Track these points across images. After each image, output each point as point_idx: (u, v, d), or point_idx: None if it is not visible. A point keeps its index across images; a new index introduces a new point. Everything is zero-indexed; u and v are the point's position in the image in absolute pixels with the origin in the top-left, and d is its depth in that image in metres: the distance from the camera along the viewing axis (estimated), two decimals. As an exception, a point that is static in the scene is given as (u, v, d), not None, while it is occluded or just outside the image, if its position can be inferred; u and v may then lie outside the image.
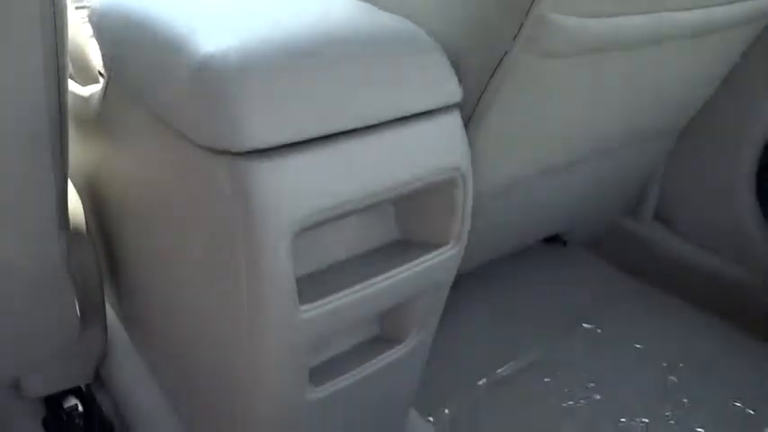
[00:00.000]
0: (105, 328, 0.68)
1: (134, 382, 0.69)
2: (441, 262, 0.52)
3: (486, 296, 0.95)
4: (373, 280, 0.48)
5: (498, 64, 0.53)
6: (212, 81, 0.39)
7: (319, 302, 0.44)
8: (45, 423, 0.72)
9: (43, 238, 0.52)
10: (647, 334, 0.89)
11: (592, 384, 0.81)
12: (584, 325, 0.93)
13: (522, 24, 0.50)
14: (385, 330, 0.58)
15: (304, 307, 0.43)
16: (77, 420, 0.71)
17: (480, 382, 0.80)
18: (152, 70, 0.45)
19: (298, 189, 0.40)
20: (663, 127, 0.86)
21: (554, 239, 1.08)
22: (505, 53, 0.52)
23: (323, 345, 0.52)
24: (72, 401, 0.72)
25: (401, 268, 0.50)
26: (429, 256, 0.51)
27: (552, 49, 0.53)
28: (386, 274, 0.49)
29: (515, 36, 0.51)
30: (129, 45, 0.48)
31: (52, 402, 0.72)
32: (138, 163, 0.52)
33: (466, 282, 0.93)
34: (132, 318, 0.70)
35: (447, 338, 0.79)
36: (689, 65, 0.73)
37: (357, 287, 0.47)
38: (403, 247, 0.52)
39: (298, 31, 0.45)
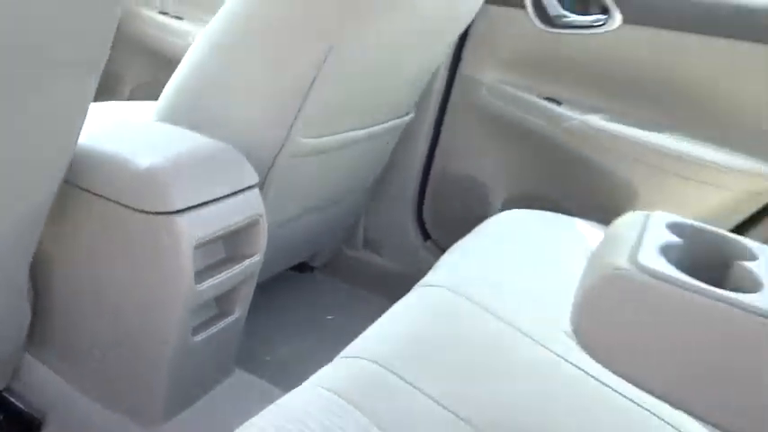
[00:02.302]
0: (23, 335, 1.01)
1: (46, 375, 1.03)
2: (252, 265, 1.01)
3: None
4: (220, 276, 0.95)
5: (273, 162, 1.05)
6: (154, 177, 0.85)
7: (204, 284, 0.91)
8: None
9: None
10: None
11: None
12: (329, 316, 1.48)
13: (283, 144, 1.03)
14: (220, 309, 1.05)
15: (198, 286, 0.89)
16: None
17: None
18: (113, 173, 0.88)
19: (196, 225, 0.87)
20: (363, 188, 1.47)
21: (302, 266, 1.62)
22: (276, 157, 1.04)
23: (200, 314, 0.97)
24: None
25: (232, 270, 0.98)
26: (245, 263, 1.00)
27: (300, 153, 1.07)
28: (223, 274, 0.96)
29: (281, 148, 1.03)
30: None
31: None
32: (81, 227, 0.93)
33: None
34: (42, 321, 1.02)
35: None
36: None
37: (213, 279, 0.94)
38: (229, 260, 1.01)
39: (173, 152, 0.92)
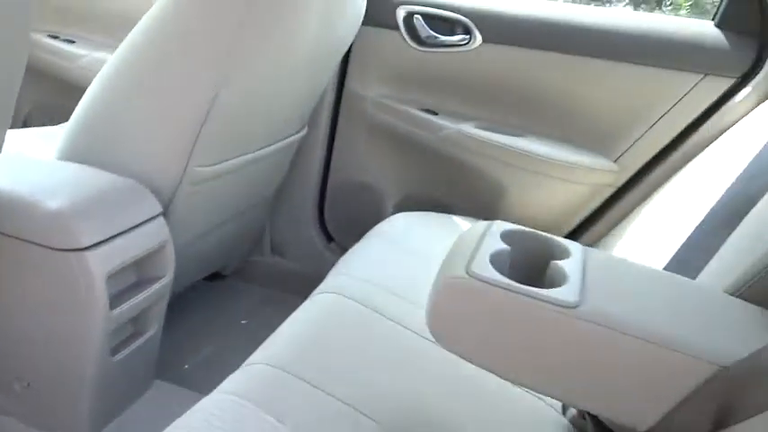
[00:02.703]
0: None
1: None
2: (163, 286, 1.11)
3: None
4: (132, 300, 1.04)
5: (174, 191, 1.14)
6: (63, 217, 0.93)
7: (119, 309, 1.00)
8: None
9: None
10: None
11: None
12: (242, 321, 1.59)
13: (182, 174, 1.12)
14: (136, 328, 1.13)
15: (113, 312, 0.98)
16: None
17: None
18: (25, 214, 0.95)
19: (106, 258, 0.96)
20: (265, 200, 1.57)
21: (214, 275, 1.71)
22: (177, 186, 1.14)
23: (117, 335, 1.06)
24: None
25: (143, 293, 1.07)
26: (155, 285, 1.09)
27: (200, 180, 1.16)
28: (135, 298, 1.06)
29: (181, 178, 1.13)
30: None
31: None
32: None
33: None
34: None
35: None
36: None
37: (127, 303, 1.03)
38: (141, 283, 1.10)
39: (80, 191, 1.00)
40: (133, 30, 1.08)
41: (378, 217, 1.43)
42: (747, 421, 0.57)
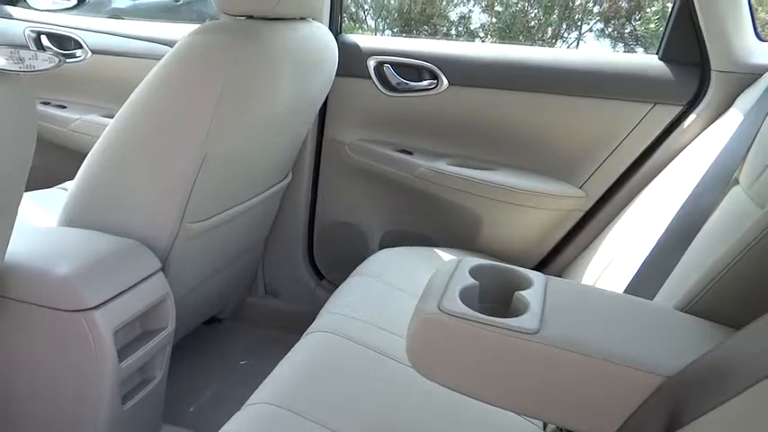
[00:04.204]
0: None
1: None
2: (166, 336, 1.19)
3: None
4: (139, 351, 1.12)
5: (170, 247, 1.22)
6: (72, 281, 1.01)
7: (127, 361, 1.07)
8: None
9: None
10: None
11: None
12: (242, 361, 1.66)
13: (177, 232, 1.21)
14: (143, 376, 1.21)
15: (121, 364, 1.06)
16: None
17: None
18: (35, 280, 1.03)
19: (113, 315, 1.04)
20: (257, 245, 1.66)
21: (211, 319, 1.78)
22: (173, 243, 1.22)
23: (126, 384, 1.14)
24: None
25: (149, 344, 1.15)
26: (160, 335, 1.17)
27: (193, 235, 1.25)
28: (142, 349, 1.13)
29: (176, 235, 1.21)
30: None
31: None
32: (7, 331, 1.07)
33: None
34: None
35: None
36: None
37: (134, 355, 1.11)
38: (146, 334, 1.17)
39: (85, 256, 1.08)
40: (124, 105, 1.17)
41: (365, 252, 1.51)
42: (690, 425, 0.65)
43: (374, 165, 1.60)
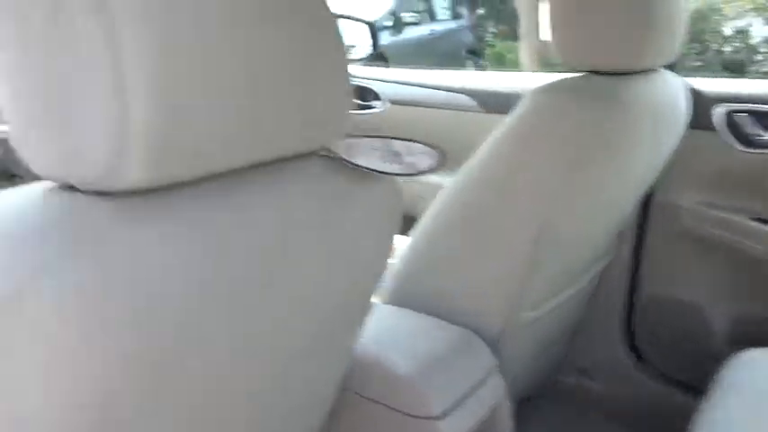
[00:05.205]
0: None
1: None
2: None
3: None
4: None
5: (501, 334, 1.10)
6: (415, 382, 0.93)
7: None
8: None
9: None
10: None
11: None
12: None
13: (513, 318, 1.08)
14: None
15: None
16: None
17: None
18: (377, 375, 0.97)
19: (453, 427, 0.93)
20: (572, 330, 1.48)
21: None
22: (502, 330, 1.10)
23: None
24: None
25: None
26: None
27: (522, 325, 1.11)
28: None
29: (510, 321, 1.09)
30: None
31: None
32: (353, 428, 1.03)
33: None
34: None
35: None
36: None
37: None
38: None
39: (426, 351, 1.00)
40: (458, 175, 1.08)
41: (700, 336, 1.25)
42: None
43: (720, 234, 1.33)
